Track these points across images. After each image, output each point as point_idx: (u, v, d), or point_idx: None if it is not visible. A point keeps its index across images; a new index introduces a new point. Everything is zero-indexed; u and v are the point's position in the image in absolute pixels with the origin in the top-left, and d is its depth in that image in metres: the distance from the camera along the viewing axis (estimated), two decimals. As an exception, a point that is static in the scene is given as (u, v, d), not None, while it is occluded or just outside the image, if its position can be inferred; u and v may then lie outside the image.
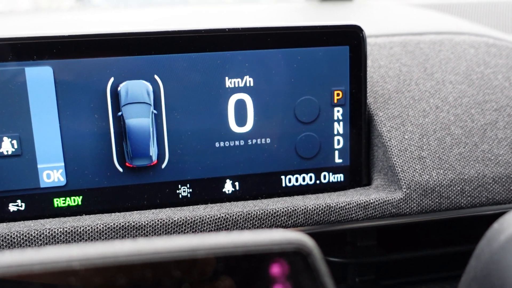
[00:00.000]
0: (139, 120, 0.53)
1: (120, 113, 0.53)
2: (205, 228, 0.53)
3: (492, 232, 0.36)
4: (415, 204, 0.57)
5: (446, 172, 0.58)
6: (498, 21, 1.27)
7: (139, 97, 0.53)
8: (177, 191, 0.56)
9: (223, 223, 0.54)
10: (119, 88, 0.53)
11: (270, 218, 0.55)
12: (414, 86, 0.63)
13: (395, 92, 0.62)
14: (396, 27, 0.74)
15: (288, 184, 0.59)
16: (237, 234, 0.31)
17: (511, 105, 0.64)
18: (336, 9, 0.97)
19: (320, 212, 0.56)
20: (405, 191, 0.57)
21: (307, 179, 0.59)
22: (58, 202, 0.54)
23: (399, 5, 1.06)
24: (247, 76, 0.56)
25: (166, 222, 0.53)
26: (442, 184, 0.58)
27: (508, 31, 1.23)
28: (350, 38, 0.57)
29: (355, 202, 0.56)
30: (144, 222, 0.52)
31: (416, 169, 0.57)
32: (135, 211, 0.54)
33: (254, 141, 0.57)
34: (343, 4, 1.01)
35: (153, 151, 0.54)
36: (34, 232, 0.50)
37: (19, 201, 0.53)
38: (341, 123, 0.59)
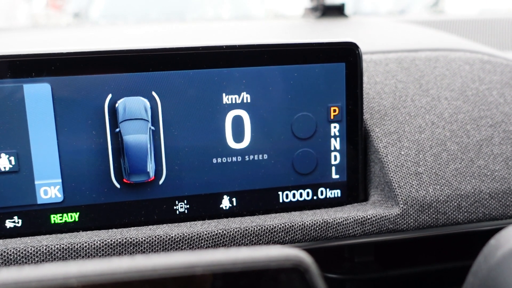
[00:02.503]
0: (136, 136, 0.53)
1: (117, 130, 0.53)
2: (202, 245, 0.53)
3: (489, 248, 0.36)
4: (412, 220, 0.57)
5: (442, 187, 0.58)
6: (492, 38, 1.28)
7: (136, 114, 0.54)
8: (175, 207, 0.56)
9: (221, 239, 0.54)
10: (116, 105, 0.53)
11: (267, 234, 0.55)
12: (410, 102, 0.64)
13: (391, 108, 0.63)
14: (392, 44, 0.75)
15: (286, 200, 0.59)
16: (234, 251, 0.31)
17: (506, 121, 0.64)
18: (333, 26, 0.98)
19: (317, 228, 0.56)
20: (402, 207, 0.57)
21: (304, 195, 0.59)
22: (55, 218, 0.54)
23: (394, 22, 1.07)
24: (244, 93, 0.56)
25: (164, 238, 0.53)
26: (439, 199, 0.58)
27: (503, 48, 1.24)
28: (346, 55, 0.58)
29: (352, 218, 0.56)
30: (141, 238, 0.52)
31: (413, 185, 0.58)
32: (132, 228, 0.54)
33: (251, 157, 0.57)
34: (339, 21, 1.02)
35: (151, 167, 0.54)
36: (31, 249, 0.50)
37: (15, 217, 0.53)
38: (337, 139, 0.59)
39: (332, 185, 0.60)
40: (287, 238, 0.55)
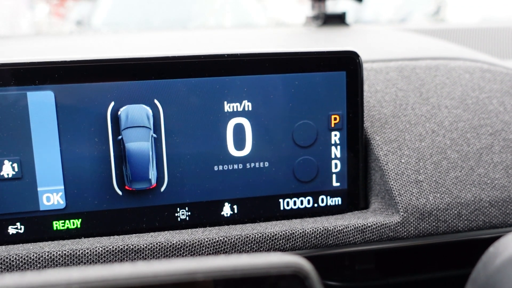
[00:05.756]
0: (138, 144, 0.54)
1: (120, 137, 0.54)
2: (203, 251, 0.53)
3: (488, 255, 0.36)
4: (412, 228, 0.57)
5: (443, 196, 0.58)
6: (493, 47, 1.29)
7: (139, 121, 0.54)
8: (176, 214, 0.56)
9: (222, 247, 0.54)
10: (119, 112, 0.54)
11: (268, 241, 0.55)
12: (410, 110, 0.64)
13: (392, 116, 0.63)
14: (392, 52, 0.76)
15: (286, 208, 0.59)
16: (235, 258, 0.31)
17: (506, 130, 0.64)
18: (334, 34, 0.98)
19: (318, 236, 0.56)
20: (402, 215, 0.57)
21: (305, 202, 0.59)
22: (58, 225, 0.54)
23: (395, 30, 1.08)
24: (246, 101, 0.56)
25: (165, 245, 0.53)
26: (439, 207, 0.58)
27: (504, 57, 1.25)
28: (347, 64, 0.58)
29: (353, 225, 0.57)
30: (143, 245, 0.52)
31: (413, 192, 0.58)
32: (134, 234, 0.55)
33: (252, 164, 0.57)
34: (340, 29, 1.03)
35: (153, 174, 0.55)
36: (33, 255, 0.50)
37: (18, 223, 0.53)
38: (338, 147, 0.59)
39: (333, 193, 0.60)
40: (288, 246, 0.55)
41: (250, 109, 0.57)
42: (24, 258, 0.50)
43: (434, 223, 0.58)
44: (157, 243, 0.53)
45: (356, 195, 0.61)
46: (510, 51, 1.29)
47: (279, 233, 0.55)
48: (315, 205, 0.60)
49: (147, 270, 0.30)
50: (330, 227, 0.56)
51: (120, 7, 4.10)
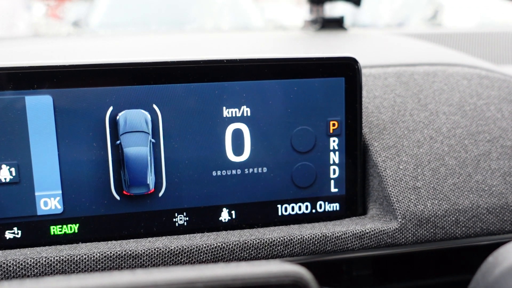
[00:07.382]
0: (137, 148, 0.54)
1: (118, 142, 0.54)
2: (201, 258, 0.53)
3: (487, 265, 0.36)
4: (410, 234, 0.57)
5: (440, 202, 0.59)
6: (490, 51, 1.29)
7: (137, 126, 0.54)
8: (174, 220, 0.56)
9: (220, 252, 0.54)
10: (117, 117, 0.54)
11: (266, 247, 0.55)
12: (409, 116, 0.64)
13: (390, 122, 0.63)
14: (390, 58, 0.76)
15: (284, 213, 0.59)
16: (234, 266, 0.31)
17: (504, 136, 0.65)
18: (331, 38, 0.98)
19: (316, 242, 0.56)
20: (400, 221, 0.57)
21: (303, 208, 0.59)
22: (55, 229, 0.54)
23: (393, 35, 1.08)
24: (244, 106, 0.56)
25: (163, 251, 0.53)
26: (437, 214, 0.58)
27: (500, 61, 1.25)
28: (346, 70, 0.58)
29: (351, 231, 0.57)
30: (141, 250, 0.52)
31: (411, 199, 0.58)
32: (132, 240, 0.54)
33: (250, 170, 0.57)
34: (338, 33, 1.03)
35: (151, 179, 0.55)
36: (30, 261, 0.50)
37: (15, 228, 0.53)
38: (337, 153, 0.59)
39: (331, 199, 0.60)
40: (286, 252, 0.55)
41: (248, 114, 0.57)
42: (21, 264, 0.50)
43: (432, 230, 0.58)
44: (155, 249, 0.52)
45: (354, 201, 0.61)
46: (506, 56, 1.29)
47: (277, 239, 0.55)
48: (313, 211, 0.60)
49: (146, 279, 0.30)
50: (328, 233, 0.56)
51: (117, 9, 4.10)
